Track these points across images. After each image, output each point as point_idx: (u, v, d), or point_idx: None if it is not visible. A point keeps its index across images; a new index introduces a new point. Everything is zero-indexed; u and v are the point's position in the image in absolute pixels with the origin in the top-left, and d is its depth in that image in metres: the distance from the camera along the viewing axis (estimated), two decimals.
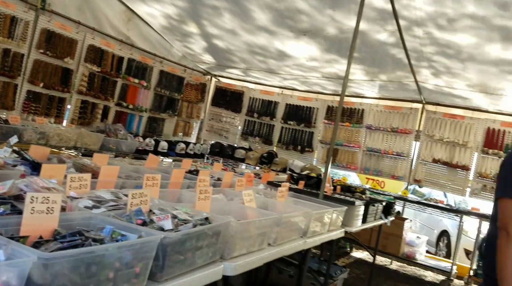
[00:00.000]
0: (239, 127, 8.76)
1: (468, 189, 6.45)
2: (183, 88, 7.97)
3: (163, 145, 6.54)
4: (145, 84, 6.95)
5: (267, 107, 8.45)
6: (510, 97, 5.77)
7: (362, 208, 3.97)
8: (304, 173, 5.60)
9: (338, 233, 3.35)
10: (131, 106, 6.80)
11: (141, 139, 6.21)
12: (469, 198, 6.66)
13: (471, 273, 5.89)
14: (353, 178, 11.01)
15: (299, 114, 8.09)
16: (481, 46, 4.63)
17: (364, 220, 4.07)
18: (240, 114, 8.72)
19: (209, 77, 8.77)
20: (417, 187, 8.05)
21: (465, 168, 6.47)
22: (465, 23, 4.28)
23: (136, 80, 6.78)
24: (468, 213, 5.94)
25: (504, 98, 5.90)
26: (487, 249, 1.92)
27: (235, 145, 8.42)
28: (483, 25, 4.19)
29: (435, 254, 7.73)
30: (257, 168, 7.14)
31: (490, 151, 6.33)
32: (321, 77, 7.01)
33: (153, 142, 6.38)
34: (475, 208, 6.08)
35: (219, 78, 8.87)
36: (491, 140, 6.35)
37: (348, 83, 6.98)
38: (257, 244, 2.22)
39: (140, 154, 5.78)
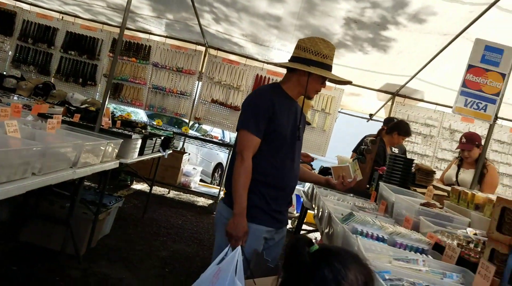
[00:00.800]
0: (10, 53, 7.64)
1: None
2: None
3: None
4: None
5: (45, 33, 7.58)
6: (274, 49, 6.76)
7: (139, 141, 4.20)
8: (83, 107, 5.42)
9: (112, 164, 3.50)
10: None
11: None
12: None
13: None
14: (141, 116, 11.14)
15: (82, 44, 7.56)
16: None
17: (141, 153, 4.33)
18: (11, 38, 7.60)
19: None
20: (202, 125, 8.76)
21: (237, 109, 7.38)
22: None
23: None
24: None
25: (271, 50, 6.87)
26: (229, 170, 2.40)
27: (4, 73, 7.34)
28: None
29: (210, 183, 8.76)
30: (32, 100, 6.46)
31: None
32: (106, 6, 6.66)
33: None
34: None
35: None
36: (259, 85, 7.38)
37: (135, 17, 6.90)
38: (20, 173, 2.18)
39: None
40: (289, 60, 2.44)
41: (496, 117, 3.47)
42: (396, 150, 4.82)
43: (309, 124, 4.60)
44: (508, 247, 1.69)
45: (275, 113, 2.28)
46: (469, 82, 3.43)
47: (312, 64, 2.31)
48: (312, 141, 7.36)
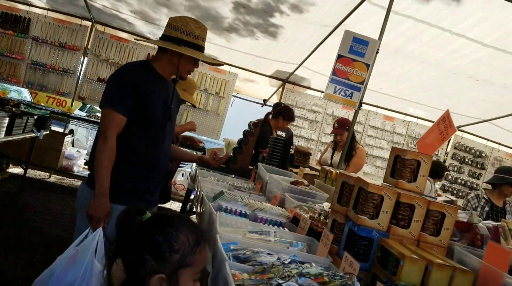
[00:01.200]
0: None
1: None
2: None
3: None
4: None
5: None
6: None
7: (6, 120, 3.83)
8: None
9: None
10: None
11: None
12: None
13: None
14: (25, 95, 10.12)
15: None
16: None
17: (9, 133, 3.96)
18: None
19: None
20: (95, 106, 8.17)
21: None
22: None
23: None
24: None
25: (161, 29, 6.63)
26: (93, 149, 2.30)
27: None
28: None
29: None
30: None
31: None
32: None
33: None
34: None
35: None
36: None
37: None
38: None
39: None
40: (160, 38, 2.39)
41: (361, 104, 3.82)
42: (283, 134, 5.06)
43: (194, 106, 4.59)
44: (345, 217, 1.90)
45: (144, 91, 2.23)
46: (338, 71, 3.72)
47: (183, 44, 2.29)
48: (206, 125, 7.39)
